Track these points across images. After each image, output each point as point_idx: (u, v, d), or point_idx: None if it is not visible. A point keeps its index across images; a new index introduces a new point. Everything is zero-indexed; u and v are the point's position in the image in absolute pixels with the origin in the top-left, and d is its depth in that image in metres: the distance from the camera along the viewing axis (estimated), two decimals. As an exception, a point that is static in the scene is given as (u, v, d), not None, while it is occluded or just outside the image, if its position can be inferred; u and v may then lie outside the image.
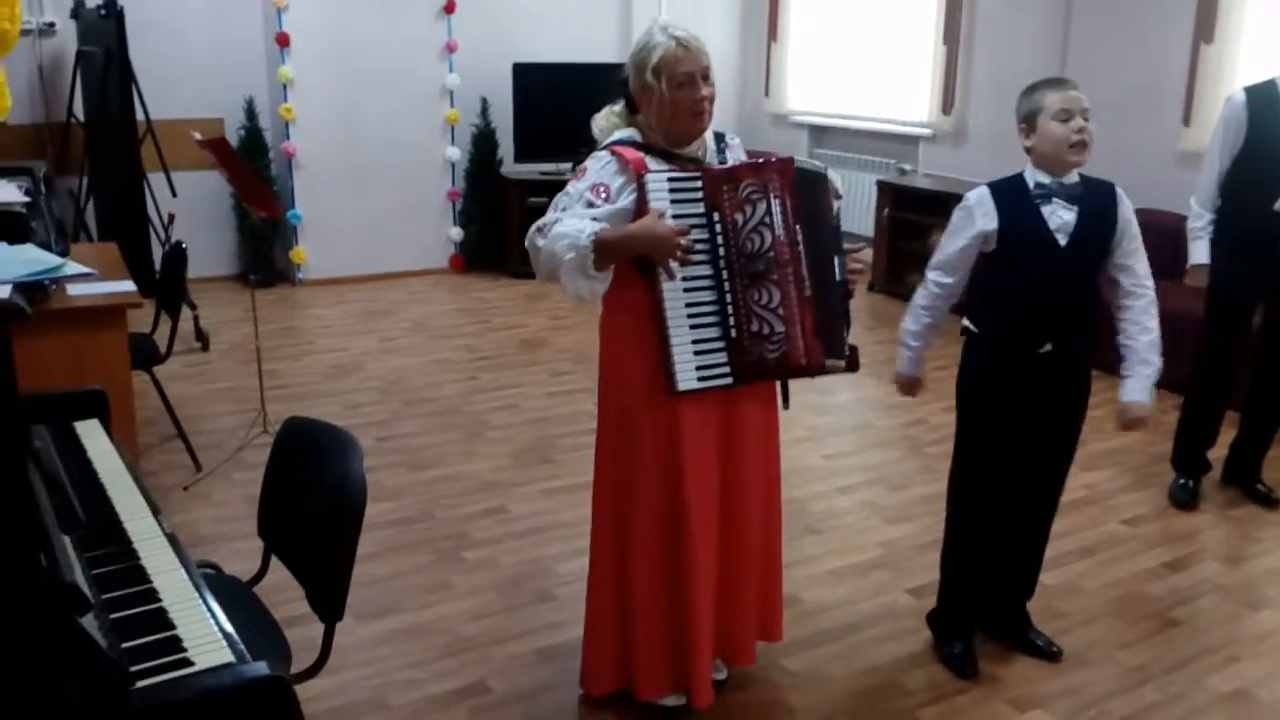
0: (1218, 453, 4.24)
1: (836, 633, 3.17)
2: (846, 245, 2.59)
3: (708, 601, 2.60)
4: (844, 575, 3.52)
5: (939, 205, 6.84)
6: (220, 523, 3.78)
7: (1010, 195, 2.75)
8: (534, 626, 3.16)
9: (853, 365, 2.60)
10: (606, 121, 2.60)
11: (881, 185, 7.28)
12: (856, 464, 4.48)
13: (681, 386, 2.41)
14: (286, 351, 5.76)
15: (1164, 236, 5.66)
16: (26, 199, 3.10)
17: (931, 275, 2.89)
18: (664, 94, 2.41)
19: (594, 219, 2.36)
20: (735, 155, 2.64)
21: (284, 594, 2.48)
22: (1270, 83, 3.82)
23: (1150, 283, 2.82)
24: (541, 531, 3.77)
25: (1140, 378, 2.81)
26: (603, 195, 2.40)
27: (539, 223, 2.42)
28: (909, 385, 3.06)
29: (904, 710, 2.81)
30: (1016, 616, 3.10)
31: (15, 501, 1.44)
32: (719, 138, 2.62)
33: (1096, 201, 2.75)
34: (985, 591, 3.04)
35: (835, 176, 2.60)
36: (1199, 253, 3.93)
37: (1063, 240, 2.70)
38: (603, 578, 2.67)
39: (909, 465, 4.45)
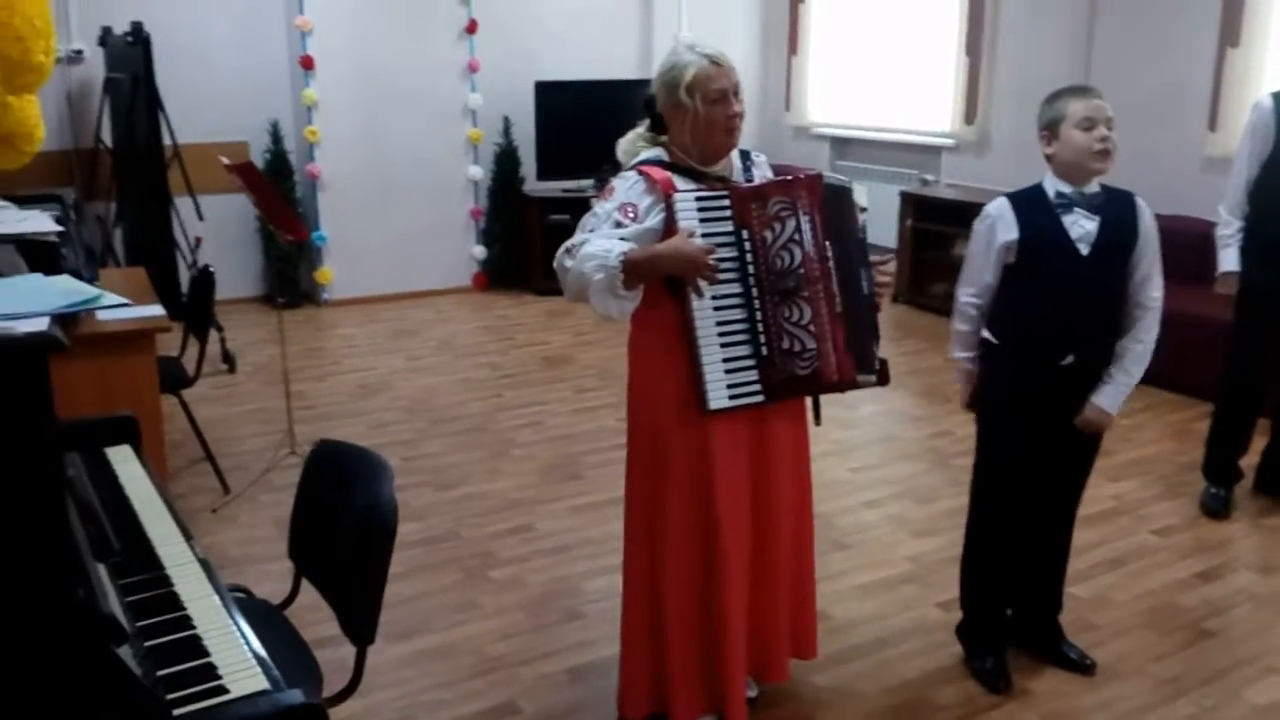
0: (1249, 460, 4.19)
1: (866, 648, 3.16)
2: (873, 257, 2.59)
3: (741, 620, 2.60)
4: (873, 590, 3.51)
5: (962, 215, 6.81)
6: (248, 545, 3.81)
7: (1030, 205, 2.73)
8: (563, 646, 3.17)
9: (883, 379, 2.60)
10: (632, 144, 2.61)
11: (904, 196, 7.26)
12: (883, 477, 4.46)
13: (713, 405, 2.41)
14: (312, 372, 5.80)
15: (1191, 242, 5.63)
16: (60, 228, 3.15)
17: (964, 296, 2.86)
18: (698, 111, 2.42)
19: (622, 239, 2.37)
20: (761, 173, 2.64)
21: (313, 615, 2.50)
22: None
23: (1160, 296, 2.80)
24: (569, 549, 3.78)
25: (1117, 385, 2.79)
26: (630, 215, 2.41)
27: (567, 244, 2.42)
28: (966, 402, 3.02)
29: (936, 726, 2.79)
30: (1048, 629, 3.08)
31: (53, 533, 1.46)
32: (744, 155, 2.63)
33: (1118, 211, 2.74)
34: (1010, 604, 3.02)
35: (860, 189, 2.60)
36: (1228, 260, 3.90)
37: (1085, 250, 2.69)
38: (636, 598, 2.67)
39: (935, 478, 4.43)
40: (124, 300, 1.68)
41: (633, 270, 2.32)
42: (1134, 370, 2.79)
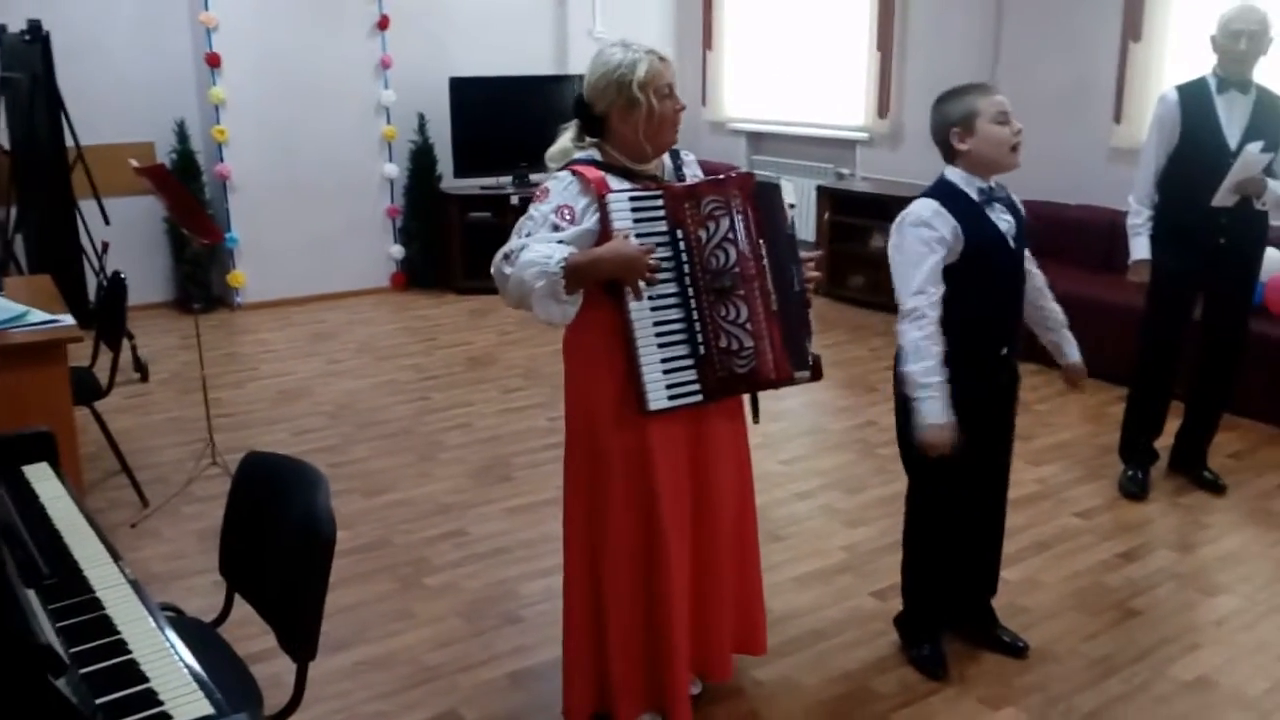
0: (1163, 441, 4.33)
1: (805, 640, 3.18)
2: (803, 254, 2.60)
3: (684, 619, 2.59)
4: (809, 581, 3.54)
5: (878, 208, 6.93)
6: (171, 560, 3.69)
7: (958, 204, 2.73)
8: (503, 651, 3.13)
9: (817, 374, 2.61)
10: (563, 150, 2.56)
11: (820, 190, 7.35)
12: (812, 468, 4.51)
13: (653, 406, 2.40)
14: (229, 379, 5.65)
15: (1099, 231, 5.81)
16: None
17: (917, 301, 2.68)
18: (653, 106, 2.41)
19: (560, 242, 2.34)
20: (692, 171, 2.64)
21: (243, 630, 2.44)
22: (1201, 80, 3.92)
23: (1034, 261, 2.98)
24: (504, 552, 3.74)
25: (1071, 340, 3.01)
26: (567, 217, 2.38)
27: (505, 249, 2.38)
28: (948, 433, 2.68)
29: (878, 715, 2.82)
30: (982, 614, 3.14)
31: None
32: (674, 154, 2.62)
33: (1011, 200, 2.82)
34: (949, 591, 3.07)
35: (789, 186, 2.61)
36: (1140, 248, 4.02)
37: (1012, 243, 2.74)
38: (577, 601, 2.65)
39: (863, 468, 4.49)
40: (53, 317, 1.60)
41: (574, 275, 2.30)
42: (1065, 323, 3.02)
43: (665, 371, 2.41)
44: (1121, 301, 4.85)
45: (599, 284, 2.38)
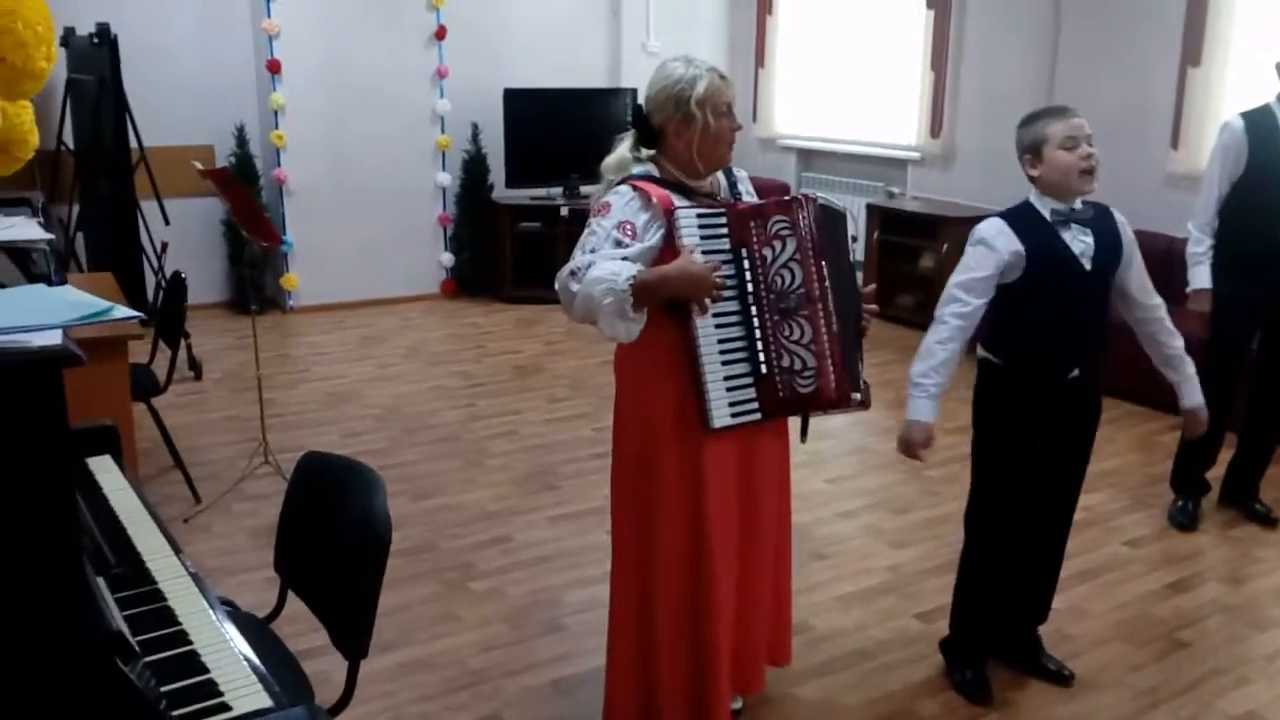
0: (1215, 472, 4.27)
1: (848, 660, 3.17)
2: (861, 287, 2.64)
3: (728, 636, 2.60)
4: (852, 601, 3.53)
5: (928, 227, 6.90)
6: (223, 555, 3.76)
7: (1028, 224, 2.74)
8: (546, 658, 3.15)
9: (866, 402, 2.62)
10: (620, 161, 2.57)
11: (870, 208, 7.32)
12: (857, 488, 4.49)
13: (717, 424, 2.42)
14: (281, 380, 5.74)
15: (1154, 258, 5.65)
16: (49, 236, 3.09)
17: (948, 309, 2.77)
18: (709, 124, 2.43)
19: (624, 259, 2.36)
20: (746, 188, 2.66)
21: (292, 627, 2.47)
22: (1266, 108, 3.88)
23: (1159, 298, 2.92)
24: (548, 560, 3.76)
25: (1195, 382, 2.96)
26: (629, 233, 2.39)
27: (570, 266, 2.38)
28: (925, 434, 2.79)
29: (921, 738, 2.82)
30: (1028, 641, 3.11)
31: (65, 548, 1.43)
32: (728, 172, 2.64)
33: (1105, 224, 2.79)
34: (1000, 617, 3.05)
35: (851, 219, 2.62)
36: (1201, 277, 3.97)
37: (1087, 265, 2.73)
38: (624, 618, 2.66)
39: (910, 489, 4.47)
40: (137, 313, 1.65)
41: (642, 292, 2.31)
42: (1192, 369, 2.96)
43: (729, 389, 2.43)
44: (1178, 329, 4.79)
45: (664, 302, 2.40)
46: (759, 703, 2.89)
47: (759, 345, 2.44)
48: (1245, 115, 3.90)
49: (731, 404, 2.43)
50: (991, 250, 2.73)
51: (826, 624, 3.36)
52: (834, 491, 4.44)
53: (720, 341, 2.43)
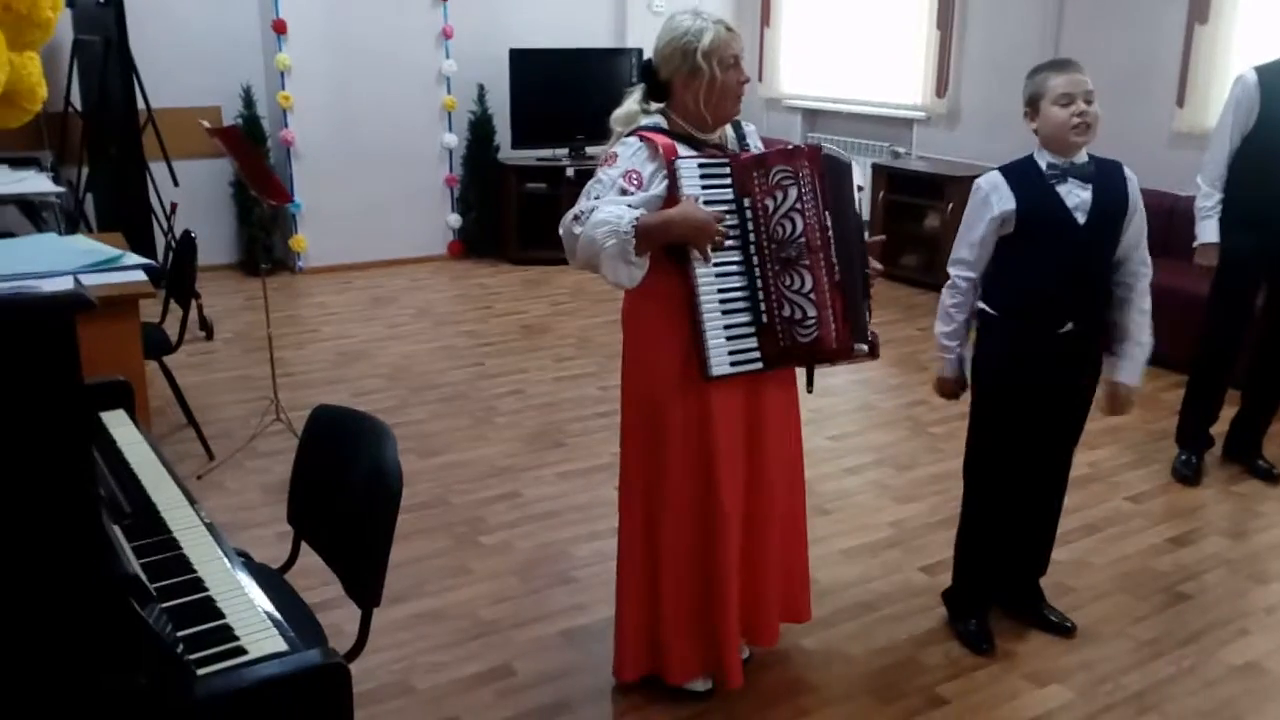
0: (1219, 428, 4.30)
1: (852, 611, 3.22)
2: (868, 237, 2.64)
3: (736, 584, 2.64)
4: (857, 555, 3.57)
5: (934, 187, 6.89)
6: (236, 511, 3.81)
7: (1024, 177, 2.76)
8: (555, 609, 3.20)
9: (874, 352, 2.63)
10: (629, 113, 2.60)
11: (876, 168, 7.31)
12: (862, 444, 4.53)
13: (715, 372, 2.44)
14: (291, 340, 5.77)
15: (1159, 216, 5.69)
16: (60, 189, 3.11)
17: (955, 271, 2.89)
18: (715, 76, 2.44)
19: (629, 205, 2.38)
20: (754, 143, 2.67)
21: (305, 580, 2.51)
22: (1279, 61, 3.86)
23: (1149, 261, 2.89)
24: (556, 515, 3.81)
25: (1134, 360, 2.88)
26: (635, 182, 2.42)
27: (574, 210, 2.43)
28: (953, 386, 3.01)
29: (924, 686, 2.86)
30: (1030, 593, 3.15)
31: (81, 495, 1.46)
32: (736, 125, 2.65)
33: (1109, 180, 2.79)
34: (1001, 569, 3.09)
35: (857, 168, 2.63)
36: (1209, 231, 3.97)
37: (1081, 219, 2.74)
38: (632, 565, 2.70)
39: (914, 445, 4.50)
40: (146, 260, 1.67)
41: (645, 236, 2.34)
42: (1146, 340, 2.88)
43: (729, 338, 2.45)
44: (1180, 287, 4.79)
45: (667, 247, 2.42)
46: (766, 652, 2.94)
47: (760, 295, 2.46)
48: (1259, 69, 3.88)
49: (731, 353, 2.45)
50: (985, 206, 2.78)
51: (831, 577, 3.41)
52: (838, 448, 4.47)
53: (721, 291, 2.44)
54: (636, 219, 2.34)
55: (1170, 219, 5.49)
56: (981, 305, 2.91)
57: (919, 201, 7.03)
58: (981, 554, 3.06)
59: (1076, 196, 2.74)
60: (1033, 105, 2.77)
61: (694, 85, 2.46)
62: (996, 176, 2.80)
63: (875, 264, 2.64)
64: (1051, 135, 2.74)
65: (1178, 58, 5.83)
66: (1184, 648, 3.04)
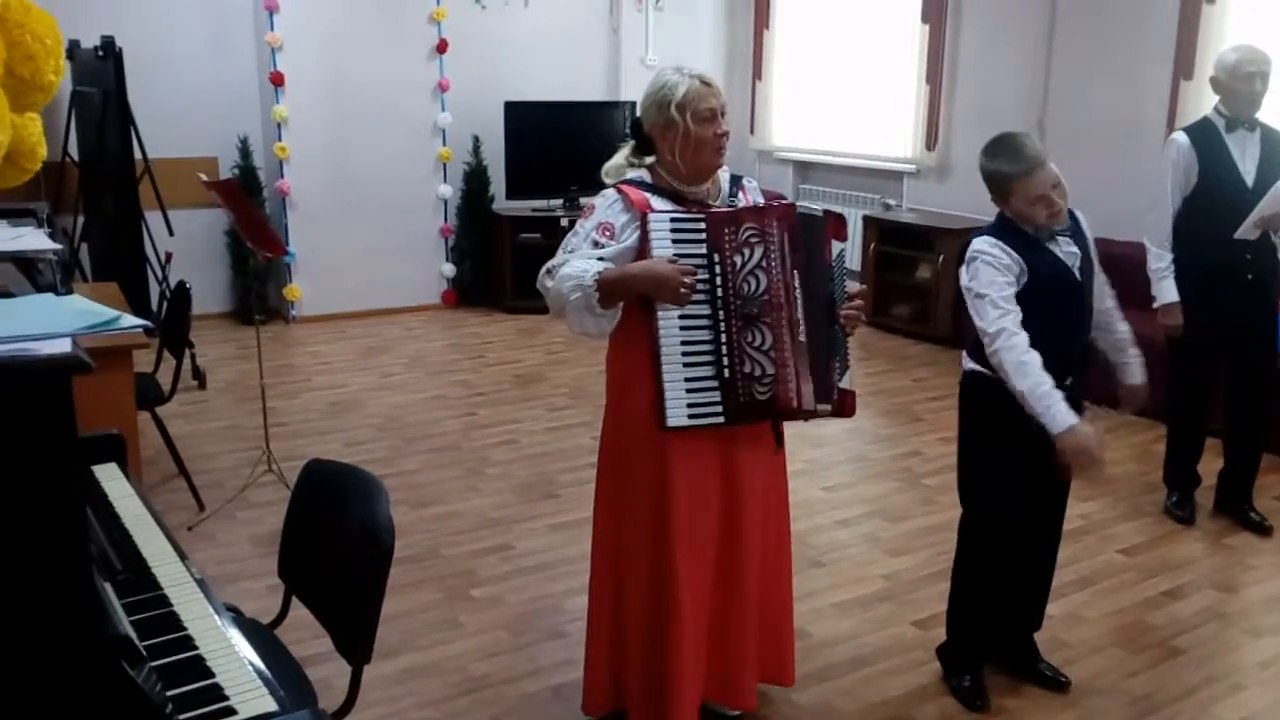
0: (1208, 481, 4.33)
1: (845, 666, 3.20)
2: (849, 288, 2.63)
3: (692, 644, 2.60)
4: (849, 608, 3.56)
5: (924, 239, 6.95)
6: (226, 563, 3.79)
7: (1017, 240, 2.76)
8: (546, 664, 3.18)
9: (846, 410, 2.61)
10: (617, 166, 2.65)
11: (867, 220, 7.37)
12: (855, 496, 4.52)
13: (671, 422, 2.45)
14: (284, 389, 5.77)
15: (1144, 269, 5.77)
16: (58, 246, 3.14)
17: (1000, 325, 2.69)
18: (689, 129, 2.47)
19: (600, 259, 2.42)
20: (753, 197, 2.68)
21: (295, 634, 2.49)
22: (1205, 120, 4.05)
23: (1111, 291, 2.99)
24: (549, 568, 3.79)
25: (1137, 362, 3.02)
26: (608, 234, 2.47)
27: (548, 264, 2.49)
28: (1082, 432, 2.66)
29: (917, 743, 2.84)
30: (1024, 648, 3.14)
31: (73, 554, 1.46)
32: (735, 180, 2.68)
33: (1079, 229, 2.85)
34: (995, 624, 3.08)
35: (846, 224, 2.65)
36: (1169, 291, 4.06)
37: (1077, 274, 2.77)
38: (599, 608, 2.73)
39: (907, 497, 4.50)
40: (144, 322, 1.68)
41: (607, 289, 2.38)
42: (1135, 348, 3.01)
43: (689, 390, 2.45)
44: (1160, 338, 4.82)
45: (633, 299, 2.45)
46: (757, 710, 2.91)
47: (724, 349, 2.47)
48: (1188, 130, 4.06)
49: (690, 405, 2.46)
50: (1001, 260, 2.73)
51: (824, 631, 3.39)
52: (831, 499, 4.47)
53: (685, 344, 2.45)
54: (600, 272, 2.38)
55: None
56: (975, 366, 2.90)
57: (909, 253, 7.09)
58: (975, 611, 3.04)
59: (1069, 253, 2.78)
60: (1003, 198, 2.76)
61: (669, 138, 2.50)
62: (994, 239, 2.75)
63: (852, 308, 2.60)
64: (1024, 219, 2.76)
65: (1164, 112, 5.91)
66: (1178, 703, 3.02)
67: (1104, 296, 2.96)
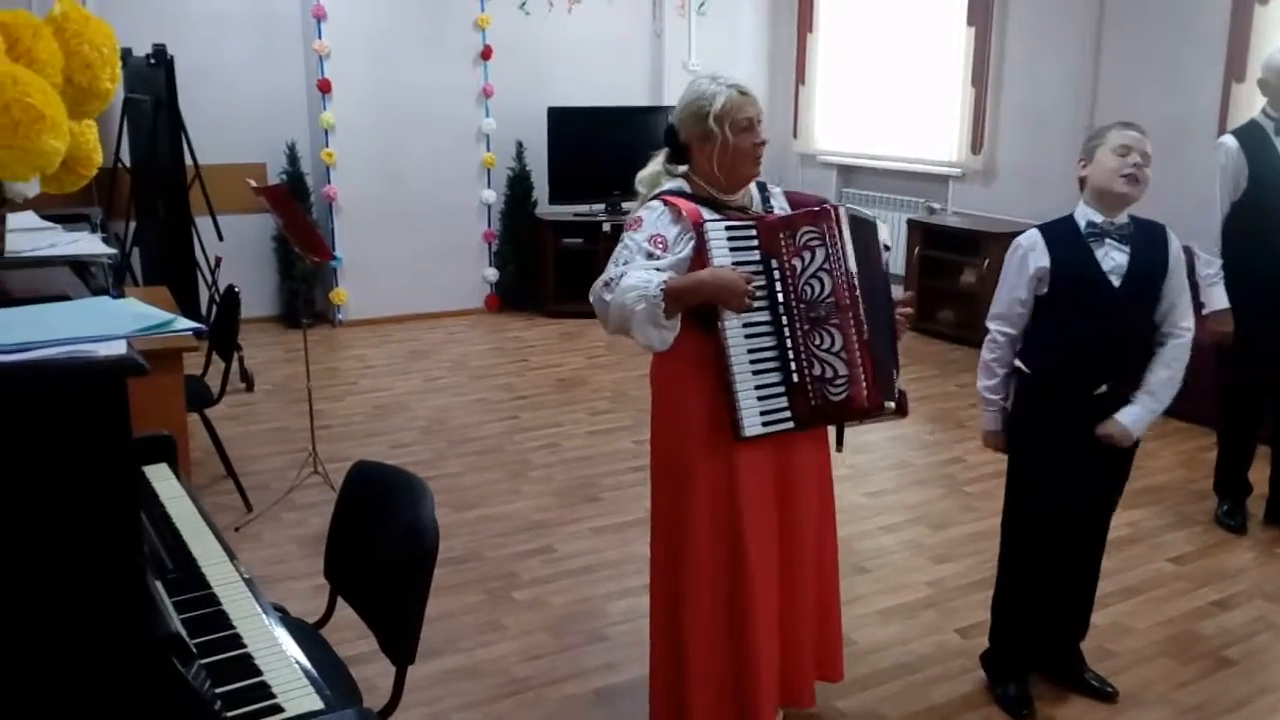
0: (1259, 490, 4.26)
1: (890, 673, 3.18)
2: (896, 294, 2.65)
3: (771, 649, 2.62)
4: (893, 615, 3.53)
5: (969, 243, 6.89)
6: (272, 563, 3.84)
7: (1061, 237, 2.77)
8: (589, 667, 3.19)
9: (903, 410, 2.61)
10: (652, 176, 2.64)
11: (911, 224, 7.33)
12: (898, 502, 4.50)
13: (748, 432, 2.45)
14: (330, 392, 5.84)
15: (1193, 275, 5.69)
16: (112, 250, 3.20)
17: (994, 326, 2.90)
18: (726, 139, 2.47)
19: (658, 269, 2.41)
20: (780, 204, 2.69)
21: (339, 634, 2.52)
22: (1252, 123, 4.00)
23: (1189, 325, 2.83)
24: (590, 571, 3.81)
25: (1142, 408, 2.80)
26: (660, 246, 2.46)
27: (603, 278, 2.46)
28: (999, 440, 2.99)
29: (961, 752, 2.82)
30: (1071, 657, 3.10)
31: (127, 554, 1.49)
32: (762, 187, 2.68)
33: (1148, 242, 2.79)
34: (1039, 632, 3.05)
35: (884, 228, 2.65)
36: (1217, 298, 3.99)
37: (1116, 281, 2.73)
38: (660, 628, 2.70)
39: (950, 504, 4.46)
40: (196, 324, 1.71)
41: (674, 298, 2.37)
42: (1161, 396, 2.81)
43: (760, 398, 2.46)
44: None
45: (696, 308, 2.44)
46: (801, 715, 2.90)
47: (790, 354, 2.47)
48: (1236, 134, 4.01)
49: (763, 413, 2.46)
50: (1023, 264, 2.79)
51: (868, 637, 3.37)
52: (875, 505, 4.44)
53: (751, 351, 2.45)
54: (665, 282, 2.37)
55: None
56: (1018, 363, 2.90)
57: (954, 257, 7.03)
58: (1018, 617, 3.01)
59: (1113, 259, 2.74)
60: (1088, 152, 2.80)
61: (707, 148, 2.50)
62: (1035, 234, 2.81)
63: (904, 312, 2.64)
64: (1100, 184, 2.74)
65: (1215, 114, 5.82)
66: (1229, 715, 2.97)
67: (1169, 322, 2.81)
